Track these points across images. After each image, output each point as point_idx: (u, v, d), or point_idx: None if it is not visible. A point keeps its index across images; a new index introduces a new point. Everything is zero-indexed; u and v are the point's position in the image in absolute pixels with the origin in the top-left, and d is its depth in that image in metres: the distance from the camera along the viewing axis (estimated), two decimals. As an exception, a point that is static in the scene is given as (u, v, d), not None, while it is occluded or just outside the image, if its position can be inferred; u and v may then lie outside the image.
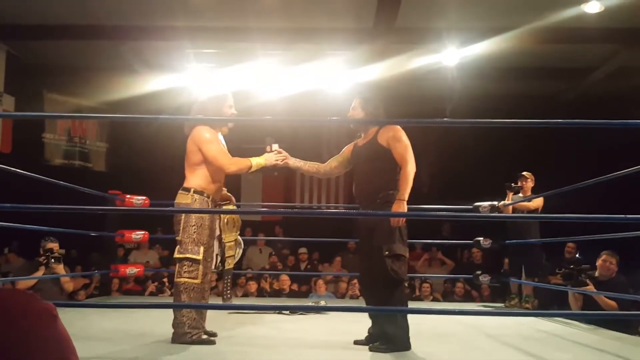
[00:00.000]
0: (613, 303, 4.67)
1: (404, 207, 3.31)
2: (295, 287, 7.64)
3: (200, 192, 3.44)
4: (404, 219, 3.36)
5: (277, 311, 4.84)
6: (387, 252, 3.27)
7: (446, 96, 8.45)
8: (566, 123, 3.56)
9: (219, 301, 4.22)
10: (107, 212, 6.00)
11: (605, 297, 4.66)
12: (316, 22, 7.21)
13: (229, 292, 3.71)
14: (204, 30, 7.37)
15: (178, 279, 3.37)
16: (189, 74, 8.11)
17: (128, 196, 5.85)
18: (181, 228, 3.37)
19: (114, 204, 5.86)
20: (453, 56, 7.40)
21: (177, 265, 3.39)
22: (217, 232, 3.58)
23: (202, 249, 3.36)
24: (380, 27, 7.10)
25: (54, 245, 5.42)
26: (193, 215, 3.38)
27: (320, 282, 7.35)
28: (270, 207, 8.79)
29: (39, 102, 8.82)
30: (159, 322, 3.79)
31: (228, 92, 3.70)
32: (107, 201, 5.86)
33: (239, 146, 10.50)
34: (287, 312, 4.81)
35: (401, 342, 3.27)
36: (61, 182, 4.57)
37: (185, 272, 3.35)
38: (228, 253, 3.63)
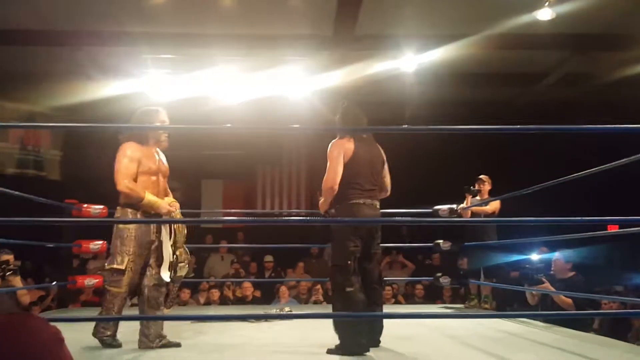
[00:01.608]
0: (569, 301, 4.82)
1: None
2: (258, 294, 7.59)
3: (129, 206, 3.57)
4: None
5: (242, 320, 4.80)
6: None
7: (405, 102, 8.57)
8: (524, 129, 3.65)
9: (179, 310, 4.19)
10: (64, 223, 5.84)
11: (562, 295, 4.82)
12: (275, 29, 7.21)
13: (172, 299, 3.84)
14: (161, 36, 7.28)
15: (106, 287, 3.67)
16: (146, 80, 7.97)
17: (85, 205, 5.70)
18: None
19: (70, 213, 5.71)
20: (411, 62, 7.50)
21: (106, 274, 3.68)
22: (164, 242, 3.59)
23: (126, 259, 3.53)
24: (339, 35, 7.15)
25: (9, 257, 5.24)
26: (119, 228, 3.57)
27: (284, 288, 7.34)
28: (232, 214, 8.73)
29: (-12, 109, 8.54)
30: (120, 333, 3.72)
31: (160, 108, 3.77)
32: (63, 211, 5.71)
33: (199, 153, 10.50)
34: (252, 320, 4.78)
35: (350, 345, 3.34)
36: (15, 191, 4.42)
37: (111, 281, 3.59)
38: (180, 260, 3.74)
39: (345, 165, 3.56)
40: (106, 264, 3.67)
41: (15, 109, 8.95)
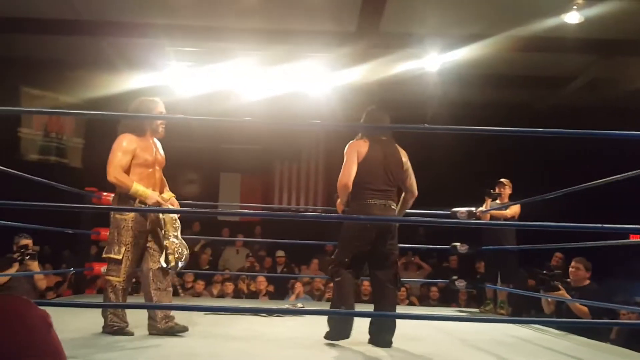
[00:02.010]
0: (585, 309, 4.74)
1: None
2: (271, 288, 7.61)
3: (126, 196, 3.60)
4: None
5: (254, 313, 4.81)
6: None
7: (427, 102, 8.51)
8: (545, 132, 3.60)
9: (193, 301, 4.22)
10: (83, 210, 5.90)
11: (578, 304, 4.73)
12: (298, 23, 7.21)
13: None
14: (183, 29, 7.32)
15: (105, 277, 3.67)
16: (169, 72, 8.04)
17: (105, 194, 5.76)
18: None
19: (90, 201, 5.78)
20: (435, 62, 7.44)
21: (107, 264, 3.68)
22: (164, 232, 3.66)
23: (123, 249, 3.59)
24: (363, 31, 7.11)
25: (28, 242, 5.32)
26: (117, 218, 3.60)
27: (298, 284, 7.34)
28: (248, 208, 8.75)
29: (15, 96, 8.66)
30: (133, 320, 3.75)
31: (157, 99, 3.83)
32: (83, 198, 5.77)
33: (218, 146, 10.54)
34: (264, 314, 4.79)
35: (330, 332, 3.56)
36: (37, 177, 4.49)
37: (109, 270, 3.63)
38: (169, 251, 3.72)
39: (359, 166, 3.63)
40: (104, 254, 3.68)
41: (41, 96, 9.08)
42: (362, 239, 3.57)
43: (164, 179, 3.90)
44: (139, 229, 3.62)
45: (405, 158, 3.79)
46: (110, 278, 3.60)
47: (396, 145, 3.81)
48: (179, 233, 3.73)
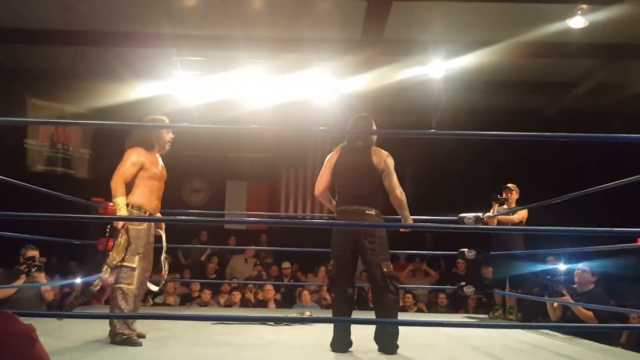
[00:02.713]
0: (590, 313, 4.72)
1: None
2: (279, 297, 7.58)
3: (138, 208, 3.76)
4: None
5: (261, 322, 4.79)
6: None
7: (432, 108, 8.51)
8: (550, 137, 3.58)
9: (200, 311, 4.25)
10: (90, 220, 5.92)
11: (582, 308, 4.71)
12: (302, 31, 7.22)
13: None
14: (190, 38, 7.35)
15: (116, 285, 3.69)
16: (175, 82, 8.06)
17: (111, 204, 5.75)
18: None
19: (97, 211, 5.78)
20: (439, 68, 7.44)
21: (117, 272, 3.69)
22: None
23: (136, 257, 3.71)
24: (367, 38, 7.13)
25: (35, 253, 5.32)
26: (130, 227, 3.71)
27: (306, 292, 7.31)
28: (255, 216, 8.75)
29: (21, 107, 8.70)
30: (143, 330, 3.74)
31: (165, 117, 3.97)
32: (90, 209, 5.78)
33: (225, 154, 10.54)
34: (272, 322, 4.76)
35: (335, 340, 3.62)
36: (43, 188, 4.49)
37: (122, 278, 3.68)
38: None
39: (331, 175, 3.82)
40: (110, 262, 3.65)
41: (46, 107, 9.11)
42: (339, 246, 3.70)
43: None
44: (147, 239, 3.77)
45: (378, 160, 3.74)
46: (123, 285, 3.67)
47: (372, 149, 3.79)
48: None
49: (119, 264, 3.66)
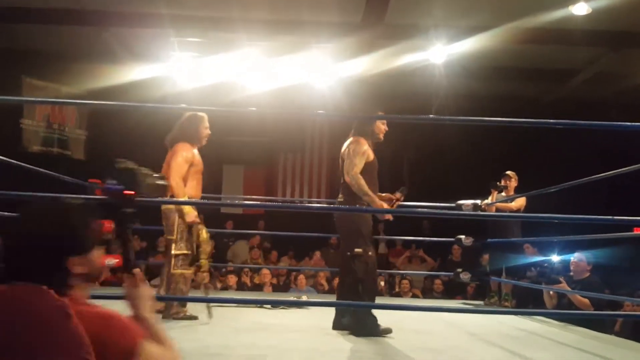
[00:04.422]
0: (586, 301, 4.74)
1: None
2: (275, 281, 7.59)
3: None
4: None
5: (258, 305, 4.81)
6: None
7: (432, 94, 8.45)
8: (551, 123, 3.56)
9: (196, 293, 4.35)
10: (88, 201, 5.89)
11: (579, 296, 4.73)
12: (302, 14, 7.14)
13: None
14: (188, 19, 7.27)
15: (174, 271, 3.99)
16: (173, 63, 7.98)
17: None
18: (175, 229, 4.02)
19: (94, 192, 5.74)
20: (440, 53, 7.38)
21: (174, 259, 4.01)
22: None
23: (188, 245, 4.04)
24: (368, 22, 7.05)
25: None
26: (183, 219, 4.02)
27: (302, 276, 7.32)
28: (251, 200, 8.73)
29: (17, 87, 8.61)
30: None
31: (205, 115, 4.25)
32: (86, 190, 5.73)
33: (222, 138, 10.49)
34: (269, 306, 4.77)
35: (369, 328, 3.59)
36: (39, 169, 4.45)
37: (181, 265, 4.01)
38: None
39: None
40: (174, 250, 4.01)
41: (43, 87, 9.03)
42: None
43: None
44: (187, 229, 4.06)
45: (345, 146, 3.88)
46: (184, 271, 4.00)
47: (353, 139, 3.87)
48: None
49: (178, 252, 4.00)
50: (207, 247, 4.10)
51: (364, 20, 7.10)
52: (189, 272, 4.04)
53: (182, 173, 4.03)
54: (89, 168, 8.16)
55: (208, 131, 4.24)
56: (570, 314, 4.69)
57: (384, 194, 3.91)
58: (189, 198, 4.03)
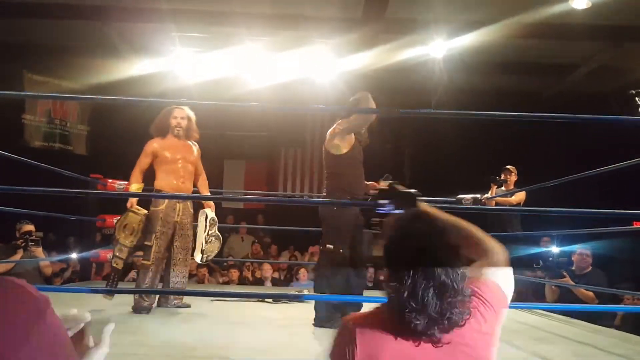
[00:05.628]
0: (591, 294, 4.75)
1: None
2: (276, 275, 7.61)
3: (157, 191, 4.28)
4: None
5: (260, 299, 4.83)
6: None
7: (432, 88, 8.46)
8: (552, 117, 3.57)
9: (198, 288, 4.34)
10: (88, 197, 5.92)
11: (583, 289, 4.75)
12: (303, 9, 7.15)
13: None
14: (189, 14, 7.27)
15: (139, 262, 4.29)
16: (174, 58, 7.99)
17: (110, 180, 5.76)
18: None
19: (95, 188, 5.77)
20: (440, 48, 7.39)
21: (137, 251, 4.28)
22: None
23: (153, 236, 4.16)
24: (368, 17, 7.05)
25: (30, 228, 5.28)
26: (150, 209, 4.19)
27: (303, 270, 7.34)
28: (251, 195, 8.76)
29: (18, 82, 8.62)
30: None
31: (173, 107, 4.44)
32: (88, 185, 5.76)
33: (223, 133, 10.49)
34: (270, 300, 4.80)
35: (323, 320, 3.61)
36: (41, 164, 4.45)
37: (142, 256, 4.21)
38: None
39: None
40: (124, 242, 4.14)
41: (44, 82, 9.04)
42: None
43: (197, 173, 4.53)
44: (168, 218, 4.15)
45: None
46: (144, 262, 4.12)
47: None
48: (214, 230, 4.37)
49: (139, 243, 4.12)
50: (135, 226, 4.16)
51: (364, 15, 7.10)
52: (149, 263, 4.12)
53: (141, 167, 4.30)
54: (91, 163, 8.20)
55: (177, 120, 4.35)
56: (568, 307, 4.70)
57: (369, 183, 3.90)
58: (157, 189, 4.23)
